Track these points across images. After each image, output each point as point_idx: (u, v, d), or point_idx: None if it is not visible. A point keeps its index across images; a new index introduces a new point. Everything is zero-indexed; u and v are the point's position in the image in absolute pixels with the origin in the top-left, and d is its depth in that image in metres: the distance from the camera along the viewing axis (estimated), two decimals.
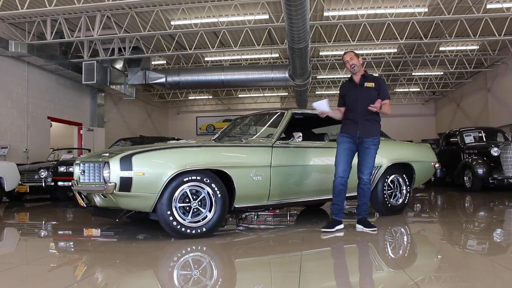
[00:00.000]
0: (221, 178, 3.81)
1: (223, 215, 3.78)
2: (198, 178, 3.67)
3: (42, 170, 8.20)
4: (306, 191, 4.48)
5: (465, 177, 9.24)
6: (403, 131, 18.51)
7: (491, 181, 8.55)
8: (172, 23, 11.17)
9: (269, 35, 12.23)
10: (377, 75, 16.46)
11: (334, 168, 4.05)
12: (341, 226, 4.04)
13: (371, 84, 4.09)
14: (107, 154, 3.74)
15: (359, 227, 4.08)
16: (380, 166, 4.95)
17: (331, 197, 4.10)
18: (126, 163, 3.47)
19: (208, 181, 3.71)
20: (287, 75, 12.69)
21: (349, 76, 4.30)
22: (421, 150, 5.78)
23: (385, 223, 4.56)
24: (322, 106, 4.03)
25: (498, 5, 10.06)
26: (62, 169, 7.94)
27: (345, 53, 4.22)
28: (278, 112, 4.81)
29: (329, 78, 18.02)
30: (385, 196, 5.02)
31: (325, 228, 3.97)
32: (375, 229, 4.00)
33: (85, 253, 3.51)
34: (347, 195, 4.14)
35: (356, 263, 3.04)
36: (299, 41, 8.82)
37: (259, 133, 4.59)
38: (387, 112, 4.07)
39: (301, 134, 4.26)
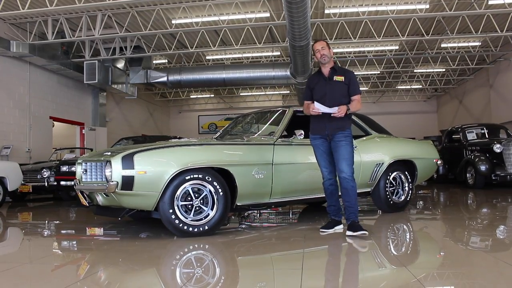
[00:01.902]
0: (223, 176, 3.81)
1: (225, 213, 3.78)
2: (200, 176, 3.68)
3: (44, 169, 8.22)
4: (308, 189, 4.48)
5: (467, 174, 9.22)
6: (405, 128, 18.49)
7: (493, 178, 8.53)
8: (173, 22, 11.16)
9: (270, 33, 12.21)
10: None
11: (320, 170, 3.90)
12: (341, 226, 3.86)
13: (341, 78, 3.77)
14: (109, 153, 3.75)
15: (348, 233, 3.61)
16: (382, 163, 4.94)
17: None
18: (128, 162, 3.48)
19: (210, 179, 3.71)
20: (288, 73, 12.68)
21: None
22: (423, 147, 5.77)
23: (387, 220, 4.56)
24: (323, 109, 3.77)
25: (500, 1, 10.01)
26: (64, 168, 7.96)
27: (316, 41, 3.87)
28: (279, 110, 4.81)
29: None
30: (387, 193, 5.01)
31: (324, 229, 3.85)
32: (365, 232, 3.57)
33: (88, 252, 3.52)
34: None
35: (359, 260, 3.03)
36: (300, 39, 8.80)
37: (260, 131, 4.58)
38: (356, 110, 3.80)
39: (302, 132, 4.25)
